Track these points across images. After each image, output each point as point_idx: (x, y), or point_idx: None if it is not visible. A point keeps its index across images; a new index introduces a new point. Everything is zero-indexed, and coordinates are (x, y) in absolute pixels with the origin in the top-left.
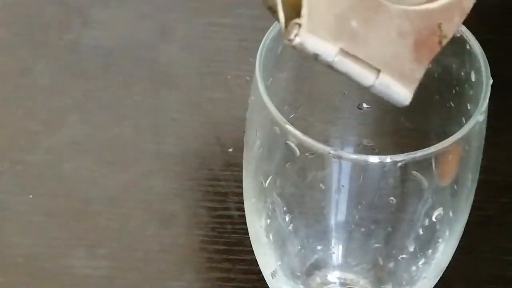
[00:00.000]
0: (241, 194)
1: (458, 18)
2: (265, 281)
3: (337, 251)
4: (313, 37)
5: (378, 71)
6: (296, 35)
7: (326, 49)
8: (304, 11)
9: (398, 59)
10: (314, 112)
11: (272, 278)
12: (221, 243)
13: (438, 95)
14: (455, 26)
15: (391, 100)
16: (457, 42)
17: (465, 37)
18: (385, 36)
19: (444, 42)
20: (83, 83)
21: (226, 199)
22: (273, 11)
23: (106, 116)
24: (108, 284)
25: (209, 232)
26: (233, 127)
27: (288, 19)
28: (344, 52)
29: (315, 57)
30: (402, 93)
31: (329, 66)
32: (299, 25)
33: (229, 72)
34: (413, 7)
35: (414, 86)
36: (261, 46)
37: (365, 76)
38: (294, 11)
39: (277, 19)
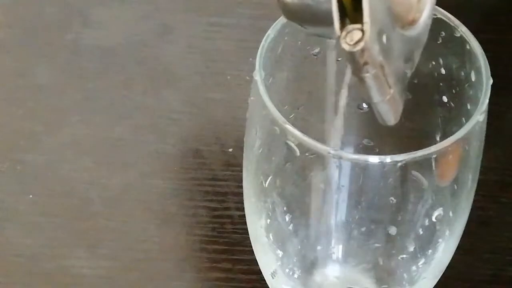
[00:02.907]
0: (241, 194)
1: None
2: (265, 281)
3: (337, 251)
4: (374, 47)
5: (390, 89)
6: (359, 41)
7: (376, 61)
8: (366, 18)
9: (400, 81)
10: (314, 112)
11: (272, 278)
12: (221, 243)
13: (438, 95)
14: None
15: (381, 117)
16: (457, 42)
17: (465, 37)
18: (395, 55)
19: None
20: (83, 83)
21: (226, 199)
22: None
23: (106, 116)
24: (108, 284)
25: (209, 232)
26: (233, 127)
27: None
28: (381, 67)
29: (363, 64)
30: (393, 117)
31: (360, 75)
32: (362, 31)
33: (229, 72)
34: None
35: (401, 110)
36: (261, 46)
37: (381, 94)
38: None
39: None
